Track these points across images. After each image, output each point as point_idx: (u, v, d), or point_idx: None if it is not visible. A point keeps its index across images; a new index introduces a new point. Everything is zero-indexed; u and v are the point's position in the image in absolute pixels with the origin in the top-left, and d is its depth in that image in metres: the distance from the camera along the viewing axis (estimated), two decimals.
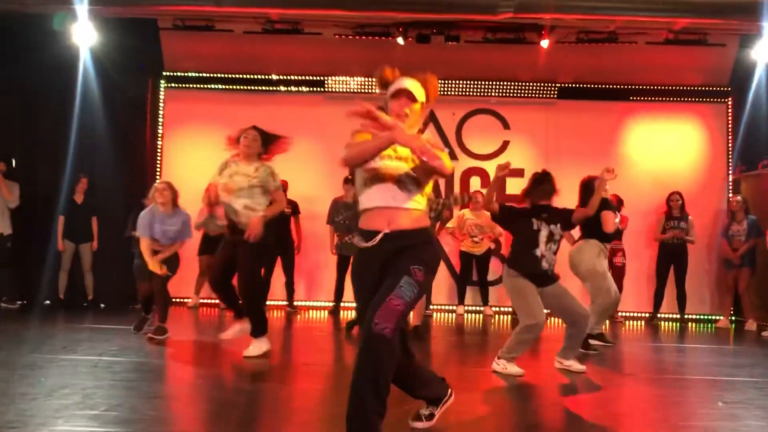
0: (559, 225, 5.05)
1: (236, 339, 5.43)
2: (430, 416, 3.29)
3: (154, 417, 3.38)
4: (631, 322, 8.97)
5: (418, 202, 3.06)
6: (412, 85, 3.17)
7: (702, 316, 9.32)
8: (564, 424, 3.64)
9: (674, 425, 3.56)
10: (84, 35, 8.36)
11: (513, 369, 4.90)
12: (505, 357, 4.94)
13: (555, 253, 5.04)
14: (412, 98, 3.16)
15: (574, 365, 5.06)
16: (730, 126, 9.62)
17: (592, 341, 6.03)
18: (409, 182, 3.02)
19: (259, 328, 5.26)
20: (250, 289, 5.20)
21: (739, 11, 7.02)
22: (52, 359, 4.80)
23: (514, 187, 9.51)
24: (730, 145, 9.61)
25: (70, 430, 2.97)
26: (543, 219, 5.01)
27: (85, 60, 8.62)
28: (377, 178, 3.03)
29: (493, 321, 8.72)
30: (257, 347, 5.22)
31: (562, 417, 3.77)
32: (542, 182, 5.15)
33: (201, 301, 9.17)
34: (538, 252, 4.93)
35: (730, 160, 9.58)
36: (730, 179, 9.57)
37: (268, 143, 5.42)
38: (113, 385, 4.02)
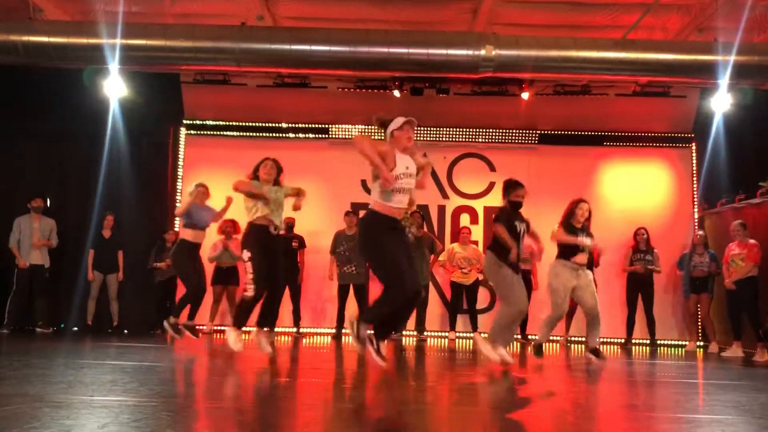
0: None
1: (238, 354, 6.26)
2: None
3: (196, 395, 4.28)
4: (605, 346, 9.81)
5: None
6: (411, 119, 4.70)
7: (671, 342, 10.18)
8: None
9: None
10: (113, 88, 9.37)
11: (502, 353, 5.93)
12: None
13: None
14: (414, 127, 4.67)
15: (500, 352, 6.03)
16: (694, 168, 10.62)
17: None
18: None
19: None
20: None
21: (696, 71, 7.91)
22: (102, 363, 5.68)
23: None
24: (695, 185, 10.60)
25: (137, 400, 3.84)
26: (520, 219, 6.21)
27: (113, 110, 9.58)
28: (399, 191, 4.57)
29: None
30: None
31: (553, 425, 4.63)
32: (518, 185, 6.18)
33: (215, 327, 10.02)
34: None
35: (696, 199, 10.57)
36: (696, 216, 10.53)
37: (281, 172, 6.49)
38: (162, 379, 4.92)
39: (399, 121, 4.67)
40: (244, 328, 6.30)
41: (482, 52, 7.30)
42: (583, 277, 6.74)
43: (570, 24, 8.40)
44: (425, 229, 9.89)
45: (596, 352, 6.85)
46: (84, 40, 7.27)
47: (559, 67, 7.56)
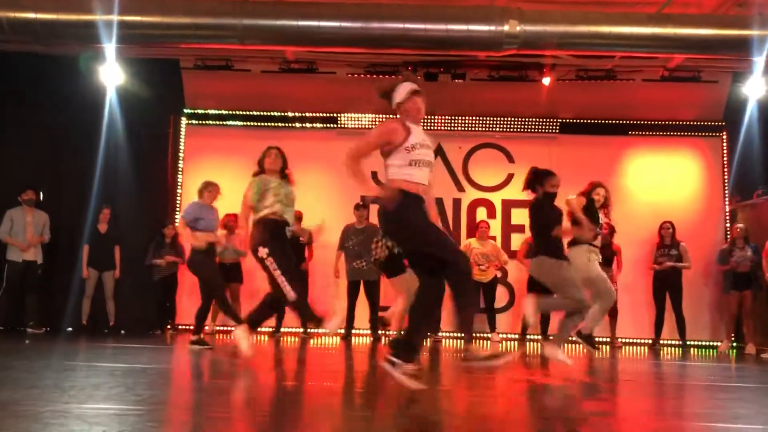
0: None
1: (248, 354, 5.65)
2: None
3: (194, 403, 3.72)
4: (631, 348, 9.22)
5: None
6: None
7: (702, 342, 9.57)
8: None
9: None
10: (110, 75, 8.89)
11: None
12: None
13: None
14: (423, 98, 4.01)
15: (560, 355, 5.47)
16: (725, 159, 10.02)
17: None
18: None
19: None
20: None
21: (736, 47, 7.28)
22: (88, 365, 5.14)
23: (520, 217, 9.96)
24: (725, 176, 9.99)
25: (120, 408, 3.29)
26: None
27: (110, 98, 9.12)
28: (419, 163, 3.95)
29: (500, 347, 8.98)
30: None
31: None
32: (551, 174, 5.79)
33: (216, 327, 9.49)
34: None
35: (726, 191, 9.96)
36: (727, 209, 9.93)
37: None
38: (151, 382, 4.36)
39: (404, 91, 4.00)
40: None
41: (506, 27, 6.72)
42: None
43: (597, 1, 7.81)
44: None
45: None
46: (74, 17, 6.72)
47: (589, 44, 6.98)
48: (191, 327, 8.40)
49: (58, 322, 8.94)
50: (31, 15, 6.71)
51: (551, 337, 5.62)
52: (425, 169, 3.97)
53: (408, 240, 4.00)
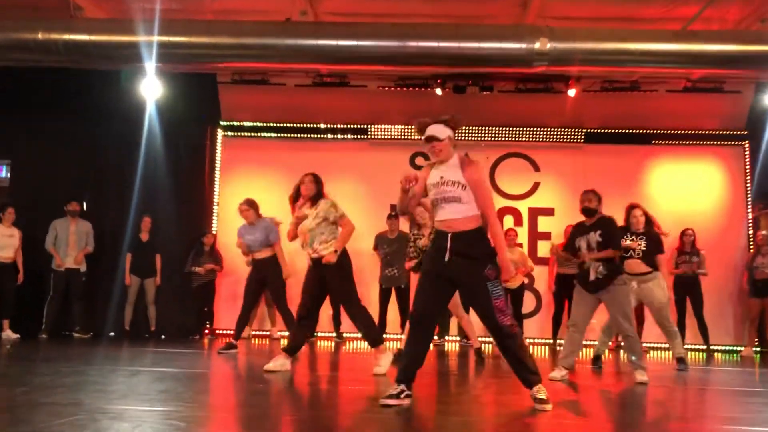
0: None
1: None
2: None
3: (240, 406, 4.03)
4: (655, 353, 9.42)
5: None
6: (435, 129, 4.15)
7: (725, 347, 9.76)
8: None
9: None
10: (150, 89, 9.21)
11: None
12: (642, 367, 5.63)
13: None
14: (437, 140, 4.14)
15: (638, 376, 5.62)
16: (747, 167, 10.18)
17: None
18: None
19: (378, 339, 5.71)
20: (355, 309, 5.69)
21: (753, 62, 7.53)
22: (151, 371, 5.46)
23: (545, 225, 10.22)
24: (748, 185, 10.17)
25: (172, 409, 3.59)
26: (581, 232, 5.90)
27: (150, 111, 9.39)
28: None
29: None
30: (384, 360, 5.59)
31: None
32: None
33: (252, 332, 9.81)
34: None
35: (749, 199, 10.14)
36: (750, 217, 10.11)
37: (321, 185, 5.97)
38: (198, 386, 4.67)
39: (424, 136, 4.23)
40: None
41: (536, 45, 6.99)
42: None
43: (622, 17, 8.05)
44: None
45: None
46: (126, 38, 7.08)
47: (616, 61, 7.23)
48: (228, 332, 8.73)
49: (102, 328, 9.28)
50: (85, 37, 7.08)
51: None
52: (447, 207, 4.14)
53: None
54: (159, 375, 5.15)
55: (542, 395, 3.99)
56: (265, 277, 7.19)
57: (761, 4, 7.62)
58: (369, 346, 5.80)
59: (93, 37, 7.07)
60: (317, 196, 5.81)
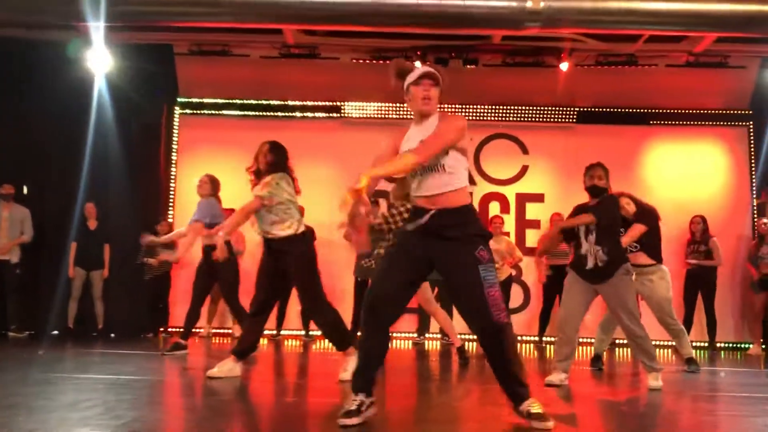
0: None
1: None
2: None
3: (183, 429, 3.14)
4: (659, 351, 8.64)
5: None
6: (431, 69, 3.31)
7: (731, 344, 9.02)
8: None
9: None
10: (99, 61, 8.32)
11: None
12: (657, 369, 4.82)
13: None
14: (436, 82, 3.28)
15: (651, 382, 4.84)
16: (752, 150, 9.46)
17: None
18: None
19: (344, 341, 4.83)
20: (315, 304, 4.84)
21: (763, 25, 6.76)
22: (67, 378, 4.55)
23: (534, 212, 9.41)
24: (753, 169, 9.44)
25: None
26: None
27: (99, 86, 8.57)
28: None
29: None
30: (352, 364, 4.60)
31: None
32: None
33: (213, 330, 8.92)
34: None
35: (754, 184, 9.41)
36: (754, 203, 9.37)
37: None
38: (136, 400, 3.77)
39: (415, 73, 3.30)
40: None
41: (528, 3, 6.13)
42: None
43: None
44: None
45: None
46: None
47: (617, 22, 6.41)
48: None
49: (43, 326, 8.31)
50: None
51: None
52: (427, 177, 3.29)
53: None
54: (77, 384, 4.23)
55: (538, 409, 3.15)
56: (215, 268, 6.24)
57: None
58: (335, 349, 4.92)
59: None
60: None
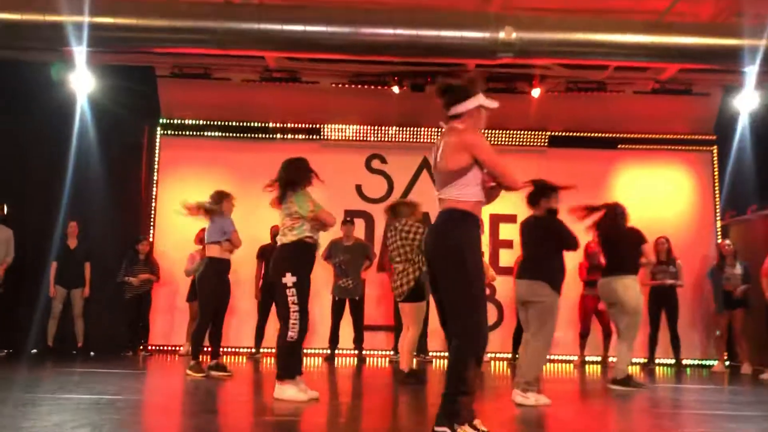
0: None
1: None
2: None
3: None
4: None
5: None
6: None
7: (695, 361, 9.32)
8: None
9: None
10: (81, 82, 8.47)
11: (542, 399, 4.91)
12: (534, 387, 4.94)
13: None
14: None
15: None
16: (716, 174, 9.83)
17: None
18: None
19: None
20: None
21: (726, 57, 7.04)
22: (51, 398, 4.67)
23: (507, 232, 9.66)
24: (716, 192, 9.80)
25: None
26: None
27: (81, 106, 8.73)
28: None
29: (490, 366, 8.65)
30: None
31: None
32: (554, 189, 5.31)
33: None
34: None
35: (718, 207, 9.76)
36: (718, 225, 9.72)
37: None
38: (121, 420, 3.91)
39: (493, 102, 3.67)
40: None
41: (501, 34, 6.41)
42: None
43: (591, 9, 7.55)
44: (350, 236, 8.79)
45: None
46: (41, 17, 6.25)
47: (585, 53, 6.71)
48: (164, 348, 7.91)
49: (22, 344, 8.37)
50: None
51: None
52: None
53: (458, 273, 3.44)
54: (61, 405, 4.36)
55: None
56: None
57: None
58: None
59: (3, 16, 6.22)
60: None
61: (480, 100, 3.60)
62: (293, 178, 5.11)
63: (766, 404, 5.70)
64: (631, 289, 6.08)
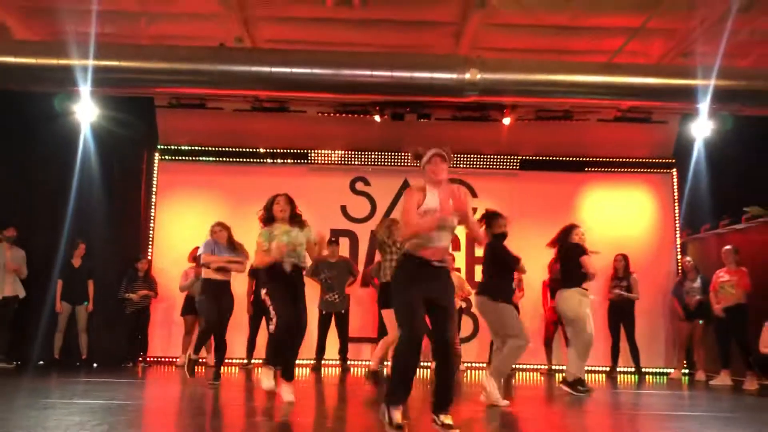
0: None
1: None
2: None
3: None
4: (589, 375, 9.56)
5: None
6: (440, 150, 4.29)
7: (657, 369, 10.02)
8: None
9: None
10: (85, 111, 9.04)
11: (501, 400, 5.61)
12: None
13: None
14: (443, 158, 4.32)
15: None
16: (675, 194, 10.56)
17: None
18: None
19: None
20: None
21: (681, 95, 7.69)
22: (68, 403, 5.30)
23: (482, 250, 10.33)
24: (676, 211, 10.54)
25: None
26: None
27: (85, 134, 9.20)
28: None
29: (465, 375, 9.29)
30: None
31: None
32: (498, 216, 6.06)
33: (201, 359, 9.60)
34: None
35: (678, 225, 10.50)
36: (678, 243, 10.46)
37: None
38: (133, 421, 4.57)
39: (428, 153, 4.33)
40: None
41: (467, 75, 7.14)
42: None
43: (553, 49, 8.31)
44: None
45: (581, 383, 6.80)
46: (54, 61, 6.94)
47: (545, 92, 7.43)
48: (162, 359, 8.50)
49: (29, 356, 8.96)
50: (11, 59, 6.93)
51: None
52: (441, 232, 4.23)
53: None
54: (78, 408, 5.01)
55: (450, 421, 4.05)
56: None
57: (681, 39, 7.96)
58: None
59: (20, 60, 6.91)
60: (292, 217, 5.98)
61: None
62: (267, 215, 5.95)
63: (708, 406, 6.40)
64: (570, 300, 6.72)
